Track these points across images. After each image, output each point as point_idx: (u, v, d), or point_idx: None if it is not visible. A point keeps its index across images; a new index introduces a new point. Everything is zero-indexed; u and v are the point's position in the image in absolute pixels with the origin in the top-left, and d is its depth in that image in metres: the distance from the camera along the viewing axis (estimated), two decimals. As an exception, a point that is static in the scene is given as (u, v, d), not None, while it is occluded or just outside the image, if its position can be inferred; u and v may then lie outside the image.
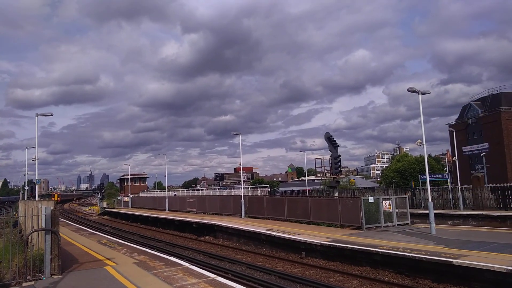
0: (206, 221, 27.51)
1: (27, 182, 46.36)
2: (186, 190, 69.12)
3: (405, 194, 26.23)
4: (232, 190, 50.52)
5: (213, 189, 66.57)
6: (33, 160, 32.73)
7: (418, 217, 25.36)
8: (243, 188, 36.10)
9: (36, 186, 31.22)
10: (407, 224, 21.01)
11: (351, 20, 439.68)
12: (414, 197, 31.06)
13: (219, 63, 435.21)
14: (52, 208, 10.60)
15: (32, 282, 9.72)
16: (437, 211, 23.64)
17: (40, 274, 10.21)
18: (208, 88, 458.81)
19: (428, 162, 20.54)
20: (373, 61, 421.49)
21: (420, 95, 18.18)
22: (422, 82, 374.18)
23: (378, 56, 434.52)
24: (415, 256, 12.46)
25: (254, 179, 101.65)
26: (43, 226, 10.40)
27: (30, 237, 10.61)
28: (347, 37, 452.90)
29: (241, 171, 40.85)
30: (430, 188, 19.31)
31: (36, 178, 30.89)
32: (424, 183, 29.86)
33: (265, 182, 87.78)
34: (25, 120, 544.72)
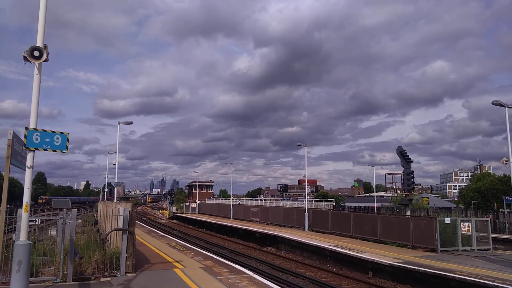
0: (269, 232, 27.57)
1: (107, 184, 50.38)
2: (250, 200, 70.13)
3: (486, 217, 24.03)
4: (296, 202, 50.14)
5: (276, 199, 66.68)
6: (113, 165, 35.59)
7: (501, 243, 23.05)
8: (307, 200, 35.65)
9: (116, 189, 33.84)
10: (488, 249, 19.19)
11: (429, 30, 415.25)
12: (497, 221, 28.30)
13: (288, 76, 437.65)
14: (129, 209, 11.40)
15: (109, 278, 10.45)
16: (525, 238, 21.32)
17: (115, 271, 10.96)
18: (276, 100, 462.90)
19: (515, 182, 18.65)
20: (453, 73, 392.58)
21: (506, 108, 16.90)
22: (508, 95, 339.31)
23: (458, 67, 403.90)
24: (497, 286, 11.26)
25: (318, 192, 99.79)
26: (121, 226, 11.21)
27: (108, 236, 11.46)
28: (425, 48, 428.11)
29: (306, 183, 40.45)
30: (517, 212, 17.47)
31: (116, 181, 33.52)
32: (510, 205, 27.09)
33: (330, 195, 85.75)
34: (109, 128, 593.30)
